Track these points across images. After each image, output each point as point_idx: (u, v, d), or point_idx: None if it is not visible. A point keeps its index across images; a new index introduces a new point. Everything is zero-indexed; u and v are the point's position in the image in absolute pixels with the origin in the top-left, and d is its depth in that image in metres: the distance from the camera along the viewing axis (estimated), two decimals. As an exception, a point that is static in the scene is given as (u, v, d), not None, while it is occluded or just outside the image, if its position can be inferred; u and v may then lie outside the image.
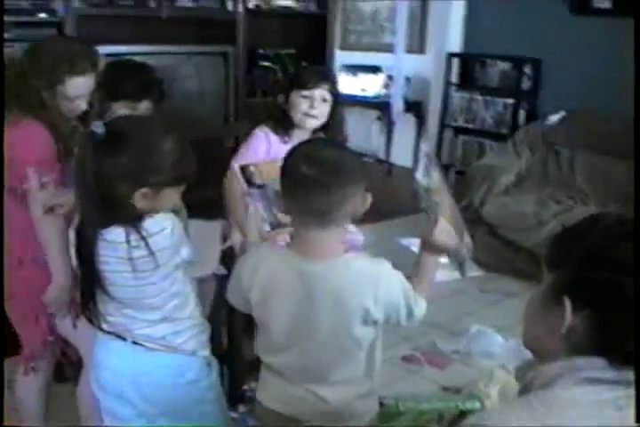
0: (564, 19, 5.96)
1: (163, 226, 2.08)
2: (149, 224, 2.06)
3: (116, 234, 2.05)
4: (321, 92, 3.19)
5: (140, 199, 2.03)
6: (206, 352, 2.39)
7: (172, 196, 2.14)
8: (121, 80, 3.31)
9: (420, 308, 2.12)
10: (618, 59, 5.66)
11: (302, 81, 3.21)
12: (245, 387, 3.50)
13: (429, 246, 2.17)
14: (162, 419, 2.38)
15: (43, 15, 4.44)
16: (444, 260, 4.99)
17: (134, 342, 2.26)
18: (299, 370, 2.17)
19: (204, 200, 3.35)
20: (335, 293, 2.00)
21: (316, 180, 1.90)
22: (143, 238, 2.03)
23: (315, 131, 3.30)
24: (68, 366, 3.61)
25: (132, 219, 2.05)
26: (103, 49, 4.43)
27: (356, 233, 3.33)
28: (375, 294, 2.00)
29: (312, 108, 3.19)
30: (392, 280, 2.05)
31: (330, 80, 3.26)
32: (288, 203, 2.02)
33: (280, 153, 3.02)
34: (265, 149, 3.27)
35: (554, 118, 5.91)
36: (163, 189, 2.07)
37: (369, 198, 2.03)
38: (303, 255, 2.02)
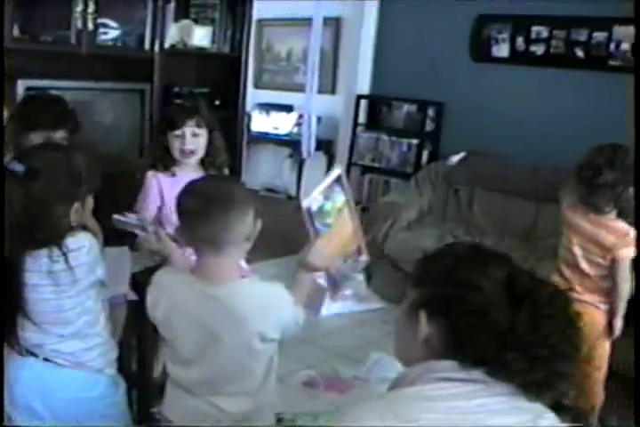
0: (466, 65, 6.27)
1: (82, 244, 2.29)
2: (70, 242, 2.26)
3: (40, 251, 2.24)
4: (190, 129, 3.40)
5: (74, 214, 2.29)
6: (113, 371, 2.53)
7: (89, 204, 2.41)
8: (37, 112, 3.46)
9: (301, 317, 2.34)
10: (515, 103, 6.00)
11: (171, 122, 3.43)
12: (154, 409, 3.60)
13: (305, 266, 2.45)
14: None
15: (-38, 48, 4.51)
16: (346, 291, 5.16)
17: (45, 359, 2.40)
18: (200, 382, 2.30)
19: (114, 229, 3.52)
20: (233, 315, 2.16)
21: (197, 211, 2.12)
22: (64, 254, 2.23)
23: (201, 161, 3.53)
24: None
25: (55, 237, 2.24)
26: (23, 83, 4.60)
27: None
28: (269, 318, 2.18)
29: (184, 145, 3.41)
30: (282, 303, 2.24)
31: (196, 115, 3.44)
32: (183, 234, 2.24)
33: (171, 189, 3.28)
34: (158, 191, 3.47)
35: (455, 158, 6.17)
36: (87, 199, 2.36)
37: (258, 224, 2.23)
38: (203, 279, 2.21)
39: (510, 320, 1.41)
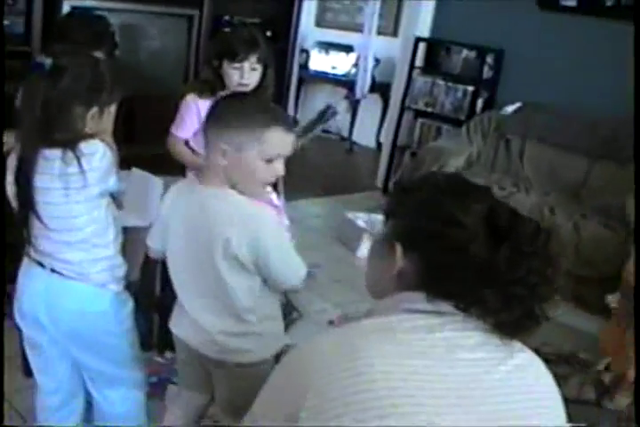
0: (531, 13, 6.04)
1: (95, 149, 2.28)
2: (83, 146, 2.26)
3: (53, 153, 2.25)
4: (250, 63, 3.38)
5: (90, 120, 2.29)
6: (119, 287, 2.53)
7: (110, 116, 2.41)
8: (74, 30, 3.42)
9: (302, 269, 2.33)
10: (579, 56, 5.77)
11: (232, 53, 3.38)
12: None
13: None
14: (72, 348, 2.53)
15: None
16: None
17: (52, 270, 2.41)
18: (192, 297, 2.35)
19: (156, 154, 3.51)
20: (205, 216, 2.19)
21: (212, 111, 2.25)
22: (77, 157, 2.22)
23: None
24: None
25: (69, 140, 2.25)
26: (69, 3, 4.56)
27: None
28: (240, 231, 2.13)
29: (242, 78, 3.39)
30: (264, 228, 2.19)
31: (258, 49, 3.40)
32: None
33: None
34: (197, 114, 3.47)
35: (510, 108, 6.04)
36: (108, 108, 2.36)
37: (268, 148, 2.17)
38: (200, 184, 2.25)
39: (490, 257, 1.33)
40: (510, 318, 1.34)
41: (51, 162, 2.26)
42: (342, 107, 8.56)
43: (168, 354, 3.59)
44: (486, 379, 1.33)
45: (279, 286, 2.37)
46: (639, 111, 4.34)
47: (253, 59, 3.38)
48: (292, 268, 2.32)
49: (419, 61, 6.90)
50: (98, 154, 2.29)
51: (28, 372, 3.48)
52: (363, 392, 1.25)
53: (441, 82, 6.69)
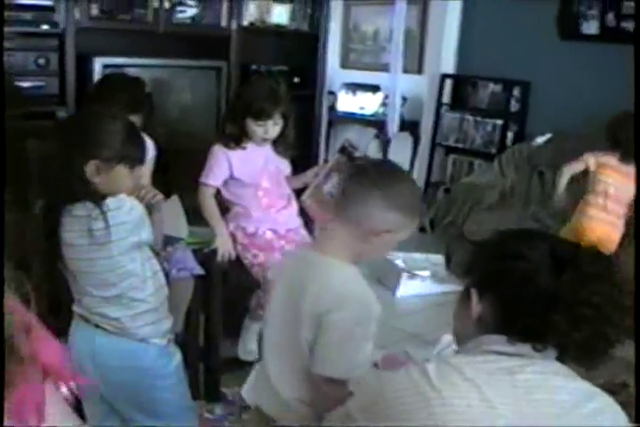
0: (553, 43, 6.07)
1: (122, 204, 2.31)
2: (110, 201, 2.29)
3: (80, 209, 2.29)
4: (273, 120, 3.52)
5: (93, 173, 2.28)
6: (163, 341, 2.52)
7: (125, 176, 2.38)
8: (113, 93, 3.49)
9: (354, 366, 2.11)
10: (604, 83, 5.77)
11: (255, 113, 3.49)
12: (224, 389, 3.61)
13: None
14: (120, 404, 2.55)
15: (45, 27, 4.61)
16: (424, 273, 5.13)
17: (96, 326, 2.44)
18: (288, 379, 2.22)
19: (190, 207, 3.57)
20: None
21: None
22: (103, 212, 2.25)
23: None
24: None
25: (96, 197, 2.28)
26: (100, 60, 4.67)
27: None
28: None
29: (266, 134, 3.55)
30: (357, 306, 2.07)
31: (281, 105, 3.53)
32: None
33: (240, 161, 3.40)
34: (227, 166, 3.61)
35: (540, 139, 6.03)
36: (114, 166, 2.32)
37: None
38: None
39: (554, 283, 1.45)
40: (581, 337, 1.44)
41: (78, 219, 2.30)
42: (373, 146, 8.59)
43: (217, 409, 3.54)
44: (566, 420, 1.39)
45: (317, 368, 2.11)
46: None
47: (277, 115, 3.51)
48: (343, 359, 2.08)
49: (446, 98, 6.94)
50: (125, 207, 2.32)
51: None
52: (441, 422, 1.35)
53: (469, 117, 6.70)
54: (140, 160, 2.43)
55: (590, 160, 4.54)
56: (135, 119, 3.38)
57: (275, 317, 2.24)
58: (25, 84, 4.53)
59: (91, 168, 2.30)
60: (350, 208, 2.07)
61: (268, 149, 3.70)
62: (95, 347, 2.45)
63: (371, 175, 2.12)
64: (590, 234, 4.40)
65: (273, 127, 3.55)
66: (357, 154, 3.68)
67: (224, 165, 3.60)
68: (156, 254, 2.58)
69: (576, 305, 1.43)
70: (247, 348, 3.89)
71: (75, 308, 2.52)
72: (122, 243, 2.32)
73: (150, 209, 2.51)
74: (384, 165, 2.39)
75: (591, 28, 5.83)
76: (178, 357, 2.62)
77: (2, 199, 2.66)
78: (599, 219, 4.47)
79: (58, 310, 3.15)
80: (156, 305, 2.49)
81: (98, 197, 2.29)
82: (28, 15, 4.51)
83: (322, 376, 2.06)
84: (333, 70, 7.86)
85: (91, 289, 2.41)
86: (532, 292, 1.47)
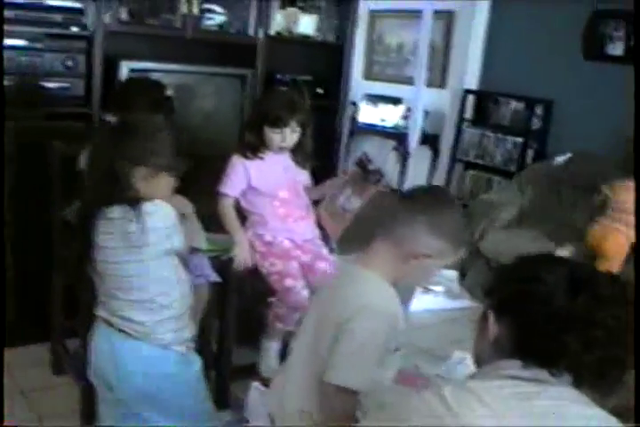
0: (577, 63, 6.06)
1: (157, 209, 2.37)
2: (146, 205, 2.34)
3: (116, 211, 2.34)
4: (291, 128, 3.55)
5: (140, 179, 2.36)
6: (183, 348, 2.56)
7: (167, 183, 2.47)
8: (134, 95, 3.53)
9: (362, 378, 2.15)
10: (628, 104, 5.73)
11: (273, 120, 3.53)
12: (235, 396, 3.62)
13: None
14: (139, 408, 2.56)
15: (74, 29, 4.65)
16: (438, 288, 5.12)
17: (119, 330, 2.46)
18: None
19: (211, 215, 3.59)
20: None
21: None
22: (140, 215, 2.30)
23: None
24: (65, 359, 3.79)
25: (132, 200, 2.34)
26: (127, 64, 4.70)
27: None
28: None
29: (284, 141, 3.58)
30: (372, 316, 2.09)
31: (297, 114, 3.55)
32: None
33: (258, 170, 3.42)
34: (245, 176, 3.64)
35: (560, 159, 6.01)
36: (159, 173, 2.40)
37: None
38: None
39: (569, 305, 1.47)
40: (593, 360, 1.45)
41: (113, 221, 2.32)
42: (392, 158, 8.59)
43: (227, 415, 3.53)
44: None
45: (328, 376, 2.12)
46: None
47: (293, 123, 3.54)
48: (355, 369, 2.09)
49: (468, 113, 6.94)
50: (160, 212, 2.36)
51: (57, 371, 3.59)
52: None
53: (490, 134, 6.69)
54: (179, 170, 2.49)
55: (607, 191, 4.98)
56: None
57: (305, 324, 2.30)
58: (50, 85, 4.57)
59: (140, 174, 2.37)
60: (396, 229, 2.14)
61: (286, 159, 3.72)
62: (116, 351, 2.47)
63: (420, 200, 2.20)
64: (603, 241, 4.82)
65: (290, 135, 3.58)
66: (372, 167, 3.69)
67: (242, 175, 3.63)
68: (184, 263, 2.60)
69: (590, 327, 1.45)
70: (268, 365, 3.77)
71: (98, 311, 2.54)
72: (154, 248, 2.37)
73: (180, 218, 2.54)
74: (435, 191, 2.50)
75: (617, 49, 5.82)
76: (198, 364, 2.65)
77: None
78: (613, 227, 4.83)
79: (74, 313, 3.18)
80: (180, 312, 2.53)
81: (135, 201, 2.34)
82: (57, 17, 4.54)
83: (332, 385, 2.08)
84: (356, 81, 7.87)
85: (117, 292, 2.44)
86: (546, 313, 1.48)
